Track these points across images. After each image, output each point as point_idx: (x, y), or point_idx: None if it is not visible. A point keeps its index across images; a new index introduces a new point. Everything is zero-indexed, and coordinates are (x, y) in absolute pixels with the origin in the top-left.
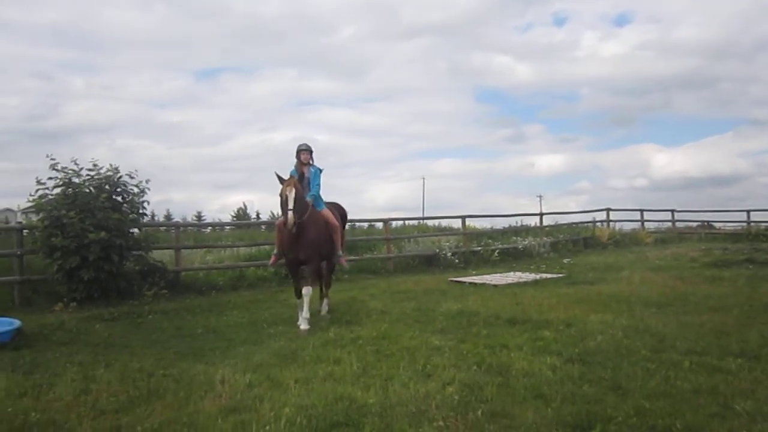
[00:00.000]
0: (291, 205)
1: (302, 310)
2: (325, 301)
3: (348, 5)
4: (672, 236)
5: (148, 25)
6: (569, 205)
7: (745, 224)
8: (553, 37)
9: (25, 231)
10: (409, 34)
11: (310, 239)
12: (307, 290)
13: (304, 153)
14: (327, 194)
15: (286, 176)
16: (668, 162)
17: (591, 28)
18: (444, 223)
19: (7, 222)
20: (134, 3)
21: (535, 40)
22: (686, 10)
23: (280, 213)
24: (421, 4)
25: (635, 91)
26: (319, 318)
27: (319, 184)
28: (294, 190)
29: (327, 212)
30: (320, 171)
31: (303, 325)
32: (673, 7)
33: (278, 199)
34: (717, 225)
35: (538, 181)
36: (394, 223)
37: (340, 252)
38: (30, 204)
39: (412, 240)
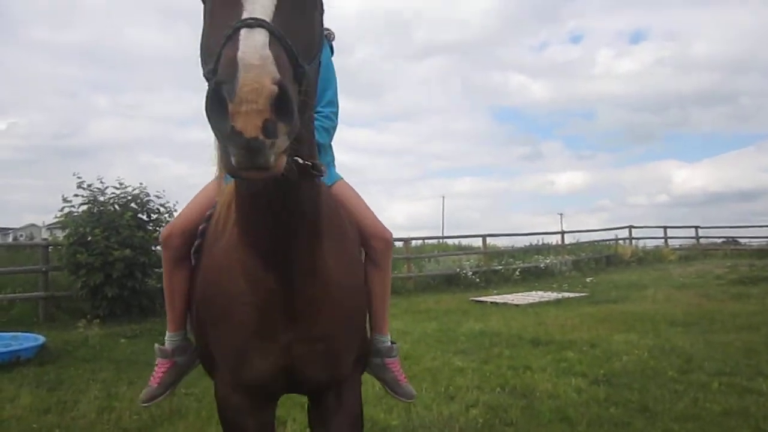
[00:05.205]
0: (272, 79)
1: None
2: None
3: (363, 26)
4: (696, 253)
5: (170, 44)
6: (590, 223)
7: None
8: (569, 55)
9: (50, 247)
10: (425, 54)
11: (335, 297)
12: None
13: None
14: None
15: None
16: (689, 178)
17: (607, 45)
18: (464, 242)
19: (32, 237)
20: (157, 24)
21: (551, 59)
22: (703, 26)
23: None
24: (436, 24)
25: (653, 107)
26: None
27: (335, 95)
28: None
29: (349, 191)
30: (331, 47)
31: None
32: (689, 23)
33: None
34: (742, 241)
35: (558, 198)
36: (414, 242)
37: (388, 337)
38: (56, 220)
39: (432, 259)
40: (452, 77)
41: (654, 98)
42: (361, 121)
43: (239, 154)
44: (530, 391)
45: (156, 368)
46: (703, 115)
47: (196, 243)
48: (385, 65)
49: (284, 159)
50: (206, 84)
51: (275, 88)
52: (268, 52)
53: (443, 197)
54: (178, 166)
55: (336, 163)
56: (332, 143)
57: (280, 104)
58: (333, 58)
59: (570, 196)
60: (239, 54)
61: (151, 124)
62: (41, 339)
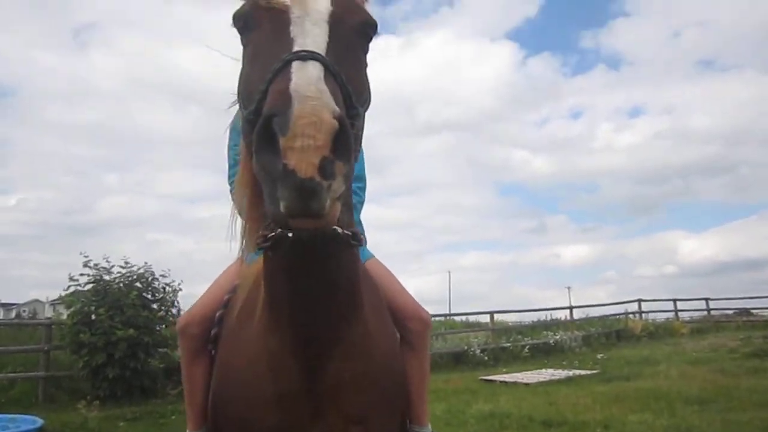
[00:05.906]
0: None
1: None
2: None
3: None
4: (708, 325)
5: (181, 125)
6: (597, 296)
7: None
8: (569, 131)
9: (53, 326)
10: (428, 131)
11: (373, 377)
12: None
13: None
14: None
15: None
16: (696, 248)
17: (607, 120)
18: (471, 318)
19: (35, 313)
20: (170, 106)
21: (552, 134)
22: (699, 100)
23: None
24: (438, 102)
25: (655, 178)
26: None
27: (362, 170)
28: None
29: (382, 269)
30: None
31: None
32: (686, 97)
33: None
34: (754, 311)
35: (564, 271)
36: None
37: (429, 428)
38: (60, 297)
39: (439, 337)
40: (456, 153)
41: (655, 170)
42: (368, 197)
43: (290, 197)
44: None
45: None
46: (705, 186)
47: (213, 332)
48: (389, 142)
49: (339, 207)
50: (248, 127)
51: (335, 123)
52: (324, 85)
53: (449, 272)
54: (185, 241)
55: (367, 237)
56: (361, 220)
57: (339, 141)
58: None
59: (576, 268)
60: (292, 86)
61: (159, 201)
62: (39, 422)
